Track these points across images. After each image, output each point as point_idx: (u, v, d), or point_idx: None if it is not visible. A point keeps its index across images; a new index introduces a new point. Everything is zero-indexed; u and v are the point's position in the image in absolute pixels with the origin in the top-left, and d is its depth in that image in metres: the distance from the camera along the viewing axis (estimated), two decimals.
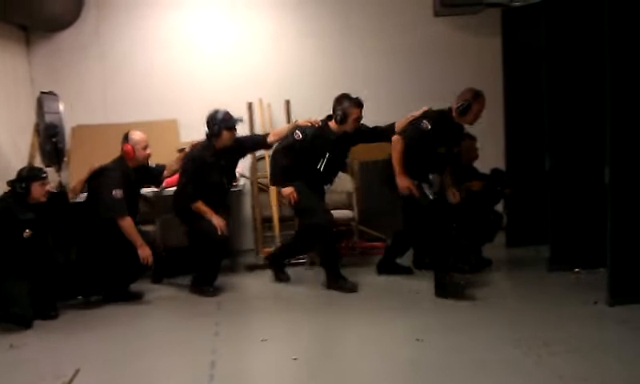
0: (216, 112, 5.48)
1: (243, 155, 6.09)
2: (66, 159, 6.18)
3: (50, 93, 5.97)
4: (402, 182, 5.15)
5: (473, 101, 5.16)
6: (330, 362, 4.09)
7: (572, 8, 5.47)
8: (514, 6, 6.66)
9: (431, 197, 5.16)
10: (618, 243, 4.58)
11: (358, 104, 5.40)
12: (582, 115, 5.46)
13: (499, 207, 6.15)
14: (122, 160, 5.42)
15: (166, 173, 5.77)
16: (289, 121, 6.66)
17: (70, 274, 5.34)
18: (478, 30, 7.20)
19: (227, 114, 5.48)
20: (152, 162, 5.67)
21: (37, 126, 5.94)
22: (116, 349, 4.48)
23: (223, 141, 5.51)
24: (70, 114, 6.15)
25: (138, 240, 5.27)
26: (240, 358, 4.22)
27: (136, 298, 5.53)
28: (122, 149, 5.41)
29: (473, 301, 4.96)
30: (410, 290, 5.38)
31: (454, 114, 5.25)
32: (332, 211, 6.47)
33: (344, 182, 6.49)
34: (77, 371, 3.97)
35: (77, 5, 6.88)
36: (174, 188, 5.86)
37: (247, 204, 7.15)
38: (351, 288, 5.42)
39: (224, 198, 5.82)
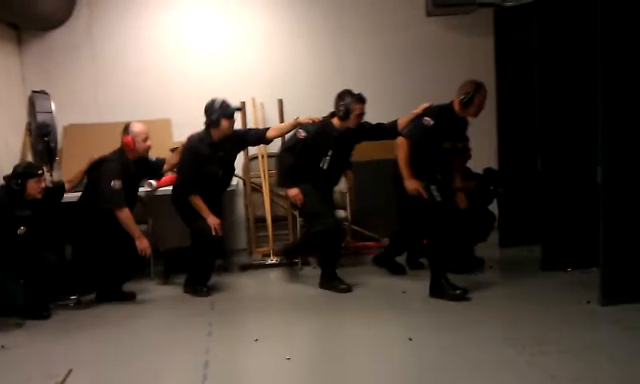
0: (214, 101, 5.45)
1: (242, 148, 6.06)
2: (57, 158, 6.18)
3: (42, 92, 5.96)
4: (411, 185, 5.06)
5: (475, 92, 5.10)
6: (323, 362, 4.09)
7: (564, 8, 5.49)
8: (506, 6, 6.68)
9: (438, 199, 5.11)
10: (611, 243, 4.60)
11: (361, 100, 5.39)
12: (574, 115, 5.48)
13: (492, 207, 6.15)
14: (121, 152, 5.37)
15: (166, 166, 5.72)
16: (282, 120, 6.65)
17: (63, 274, 5.32)
18: (471, 29, 7.22)
19: (225, 102, 5.45)
20: (152, 156, 5.63)
21: (29, 125, 5.93)
22: (109, 349, 4.47)
23: (222, 130, 5.47)
24: (62, 113, 6.13)
25: (135, 231, 5.24)
26: (233, 358, 4.22)
27: (129, 298, 5.51)
28: (122, 140, 5.36)
29: (466, 301, 4.97)
30: (403, 290, 5.39)
31: (456, 107, 5.18)
32: None
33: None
34: (69, 372, 3.95)
35: (68, 4, 6.86)
36: (168, 188, 5.86)
37: (240, 204, 7.14)
38: (345, 289, 5.42)
39: (221, 190, 5.80)
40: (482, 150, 6.35)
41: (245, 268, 6.37)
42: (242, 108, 5.69)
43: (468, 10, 6.96)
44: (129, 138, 5.33)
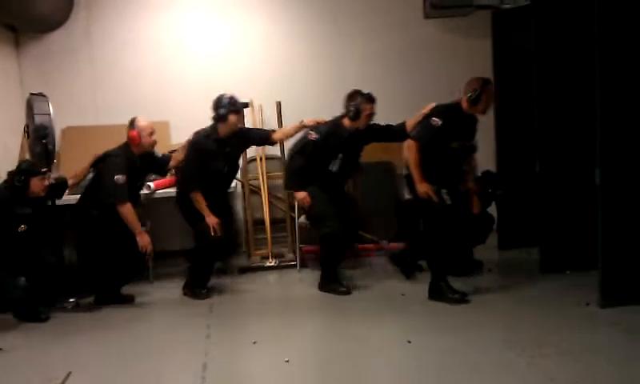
0: (222, 96, 5.44)
1: (247, 146, 6.03)
2: (55, 161, 6.16)
3: (40, 94, 5.94)
4: (422, 188, 5.02)
5: (482, 89, 5.02)
6: (322, 365, 4.09)
7: (561, 10, 5.50)
8: (504, 8, 6.69)
9: (448, 202, 5.08)
10: (609, 245, 4.60)
11: (371, 99, 5.36)
12: (572, 117, 5.47)
13: (491, 209, 6.15)
14: (127, 146, 5.35)
15: (172, 163, 5.66)
16: (280, 122, 6.64)
17: (63, 275, 5.32)
18: (469, 32, 7.23)
19: (233, 97, 5.45)
20: (158, 152, 5.60)
21: (26, 127, 5.91)
22: (108, 351, 4.47)
23: (229, 125, 5.46)
24: (60, 116, 6.12)
25: (137, 227, 5.20)
26: (232, 360, 4.22)
27: (128, 300, 5.50)
28: (127, 135, 5.34)
29: (465, 303, 4.97)
30: (402, 293, 5.39)
31: (464, 105, 5.11)
32: None
33: None
34: (68, 374, 3.95)
35: (66, 6, 6.85)
36: (166, 190, 5.85)
37: (239, 206, 7.13)
38: (344, 292, 5.41)
39: (226, 187, 5.80)
40: (480, 152, 6.33)
41: (243, 270, 6.36)
42: (249, 104, 5.65)
43: (465, 13, 6.96)
44: (134, 133, 5.30)
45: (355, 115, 5.36)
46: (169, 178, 5.94)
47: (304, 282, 5.94)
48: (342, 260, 5.63)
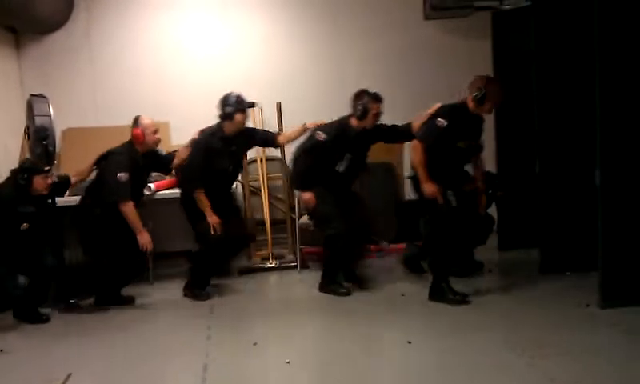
0: (229, 94, 5.45)
1: (251, 146, 6.01)
2: (56, 162, 6.15)
3: (40, 95, 5.94)
4: (428, 188, 5.00)
5: (487, 88, 4.98)
6: (323, 366, 4.10)
7: (561, 11, 5.50)
8: (503, 10, 6.69)
9: (454, 204, 5.06)
10: (609, 246, 4.60)
11: (378, 99, 5.33)
12: (572, 117, 5.47)
13: (491, 210, 6.15)
14: (130, 144, 5.34)
15: (175, 161, 5.62)
16: (280, 123, 6.64)
17: (64, 276, 5.33)
18: (469, 33, 7.23)
19: (240, 96, 5.46)
20: (162, 150, 5.60)
21: (27, 128, 5.91)
22: (108, 352, 4.47)
23: (236, 124, 5.46)
24: (61, 117, 6.12)
25: (138, 226, 5.18)
26: (232, 361, 4.21)
27: (128, 302, 5.50)
28: (131, 132, 5.33)
29: (465, 304, 4.97)
30: (402, 293, 5.39)
31: (470, 105, 5.07)
32: None
33: None
34: (69, 375, 3.95)
35: (67, 7, 6.85)
36: (166, 191, 5.85)
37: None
38: (344, 293, 5.40)
39: (229, 185, 5.80)
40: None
41: (244, 272, 6.36)
42: (256, 104, 5.64)
43: (465, 14, 6.97)
44: (138, 131, 5.30)
45: (362, 115, 5.33)
46: (169, 179, 5.94)
47: (304, 283, 5.94)
48: (345, 262, 5.58)
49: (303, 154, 5.45)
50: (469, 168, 5.53)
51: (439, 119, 5.04)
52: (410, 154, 5.20)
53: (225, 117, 5.45)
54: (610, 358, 3.88)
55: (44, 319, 5.10)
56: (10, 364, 4.32)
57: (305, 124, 5.61)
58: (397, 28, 7.23)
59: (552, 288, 5.25)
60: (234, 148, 5.56)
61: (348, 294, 5.40)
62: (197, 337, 4.62)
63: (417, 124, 5.28)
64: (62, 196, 5.57)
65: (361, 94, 5.37)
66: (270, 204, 6.85)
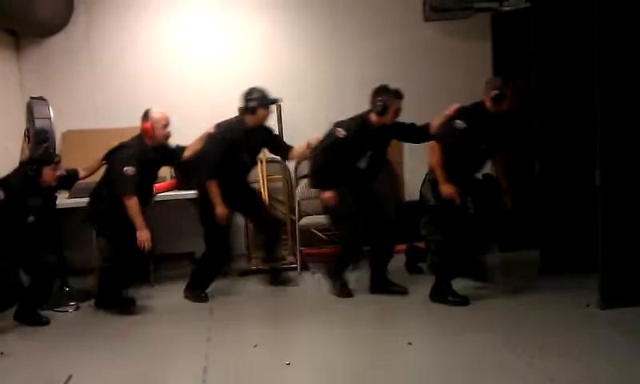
0: (253, 89, 5.47)
1: (267, 146, 5.94)
2: None
3: (40, 98, 5.95)
4: (446, 189, 4.96)
5: (504, 88, 4.94)
6: (323, 367, 4.09)
7: (561, 12, 5.50)
8: (503, 11, 6.69)
9: (471, 211, 5.03)
10: (609, 246, 4.61)
11: (399, 95, 5.28)
12: (572, 118, 5.48)
13: None
14: (140, 138, 5.33)
15: (186, 153, 5.60)
16: (280, 124, 6.62)
17: (63, 276, 5.34)
18: (468, 34, 7.23)
19: (264, 91, 5.47)
20: (172, 143, 5.57)
21: (27, 131, 5.92)
22: (108, 355, 4.48)
23: (258, 118, 5.47)
24: (61, 120, 6.12)
25: (140, 222, 5.12)
26: (233, 363, 4.22)
27: (128, 304, 5.49)
28: (141, 126, 5.33)
29: (465, 305, 4.97)
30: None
31: (488, 105, 5.02)
32: (321, 216, 6.50)
33: None
34: (69, 377, 3.96)
35: (67, 10, 6.86)
36: (167, 193, 5.85)
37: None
38: (345, 294, 5.39)
39: (246, 177, 5.82)
40: None
41: (244, 273, 6.36)
42: (279, 100, 5.63)
43: (465, 15, 6.96)
44: (148, 125, 5.28)
45: (383, 111, 5.25)
46: (169, 182, 5.95)
47: (304, 285, 5.94)
48: (355, 262, 5.57)
49: (322, 151, 5.35)
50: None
51: (457, 121, 5.00)
52: (427, 156, 5.16)
53: (247, 110, 5.46)
54: (609, 358, 3.88)
55: (44, 321, 5.11)
56: (11, 366, 4.32)
57: (308, 143, 5.59)
58: (396, 29, 7.23)
59: (552, 288, 5.25)
60: (252, 142, 5.57)
61: (349, 295, 5.38)
62: (197, 338, 4.62)
63: (435, 124, 5.24)
64: (69, 189, 5.56)
65: (380, 90, 5.30)
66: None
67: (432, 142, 5.11)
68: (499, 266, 6.28)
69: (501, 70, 6.51)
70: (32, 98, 5.83)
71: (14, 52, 6.83)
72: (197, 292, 5.57)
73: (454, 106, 5.14)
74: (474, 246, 5.19)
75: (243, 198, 5.70)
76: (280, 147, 5.87)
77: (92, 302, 5.54)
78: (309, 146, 5.58)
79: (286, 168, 6.81)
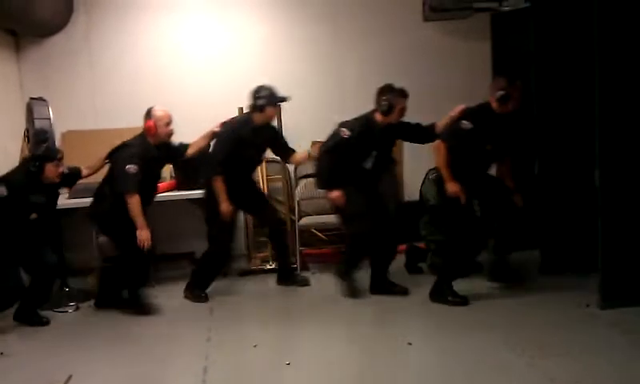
0: (261, 86, 5.47)
1: (272, 145, 5.90)
2: None
3: (40, 98, 5.95)
4: (452, 187, 4.93)
5: (510, 88, 4.92)
6: (323, 367, 4.09)
7: (561, 12, 5.50)
8: (503, 11, 6.69)
9: (478, 214, 5.02)
10: (609, 246, 4.61)
11: (404, 94, 5.27)
12: (572, 118, 5.48)
13: None
14: (142, 136, 5.32)
15: (190, 150, 5.61)
16: (280, 125, 6.63)
17: (62, 276, 5.34)
18: (468, 34, 7.23)
19: (272, 89, 5.47)
20: (175, 141, 5.56)
21: (26, 131, 5.92)
22: (108, 355, 4.48)
23: (266, 116, 5.49)
24: (60, 120, 6.13)
25: (140, 221, 5.10)
26: (233, 363, 4.22)
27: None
28: (144, 124, 5.31)
29: (465, 305, 4.97)
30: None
31: (494, 105, 5.00)
32: (321, 216, 6.53)
33: None
34: (69, 377, 3.96)
35: (66, 10, 6.86)
36: (167, 193, 5.85)
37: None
38: (355, 294, 5.33)
39: (251, 173, 5.85)
40: None
41: (244, 273, 6.36)
42: (288, 99, 5.63)
43: (465, 15, 6.96)
44: (151, 123, 5.27)
45: (388, 110, 5.23)
46: (169, 182, 5.94)
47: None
48: (363, 259, 5.53)
49: (327, 152, 5.33)
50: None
51: (464, 122, 5.00)
52: (433, 155, 5.16)
53: (255, 108, 5.46)
54: (610, 358, 3.88)
55: (44, 322, 5.11)
56: (11, 366, 4.32)
57: (309, 153, 5.64)
58: (396, 29, 7.24)
59: (552, 288, 5.25)
60: (260, 140, 5.58)
61: (355, 295, 5.33)
62: (197, 338, 4.62)
63: (441, 125, 5.23)
64: (71, 187, 5.57)
65: (385, 90, 5.28)
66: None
67: (437, 142, 5.09)
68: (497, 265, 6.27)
69: (500, 69, 6.51)
70: (32, 98, 5.83)
71: (13, 52, 6.83)
72: (197, 292, 5.57)
73: (460, 107, 5.13)
74: (476, 248, 5.19)
75: (249, 196, 5.72)
76: (282, 149, 5.87)
77: (92, 302, 5.54)
78: (309, 156, 5.62)
79: (285, 168, 6.80)
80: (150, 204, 5.38)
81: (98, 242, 6.04)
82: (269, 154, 6.55)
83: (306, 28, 7.21)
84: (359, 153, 5.30)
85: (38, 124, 5.69)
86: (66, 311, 5.44)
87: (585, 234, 5.23)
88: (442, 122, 5.24)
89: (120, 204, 5.10)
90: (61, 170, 5.18)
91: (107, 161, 5.39)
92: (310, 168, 6.17)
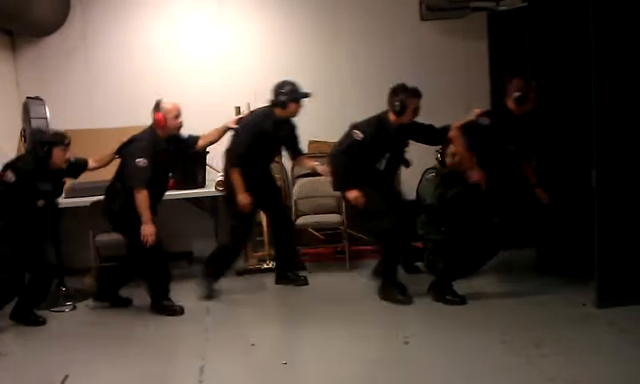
0: (284, 82, 5.46)
1: (288, 139, 5.85)
2: None
3: (37, 98, 5.94)
4: (476, 174, 4.93)
5: (526, 88, 4.91)
6: (320, 366, 4.10)
7: (557, 11, 5.51)
8: (499, 10, 6.70)
9: (496, 220, 5.00)
10: (606, 245, 4.61)
11: (417, 94, 5.23)
12: (568, 118, 5.48)
13: None
14: (152, 130, 5.28)
15: (201, 142, 5.60)
16: None
17: (60, 275, 5.34)
18: (465, 34, 7.23)
19: (295, 85, 5.46)
20: (184, 134, 5.51)
21: (23, 131, 5.92)
22: (105, 354, 4.47)
23: (288, 112, 5.48)
24: (57, 119, 6.11)
25: (146, 215, 5.05)
26: (229, 363, 4.22)
27: (125, 303, 5.49)
28: (153, 117, 5.27)
29: (462, 304, 4.97)
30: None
31: (511, 105, 4.96)
32: (319, 215, 6.53)
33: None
34: (66, 377, 3.96)
35: (63, 9, 6.85)
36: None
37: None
38: (403, 301, 5.17)
39: (269, 165, 5.86)
40: None
41: (241, 273, 6.35)
42: (310, 94, 5.63)
43: (462, 15, 6.97)
44: (160, 115, 5.22)
45: (401, 110, 5.18)
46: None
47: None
48: (401, 257, 5.50)
49: (341, 154, 5.28)
50: None
51: (482, 118, 5.00)
52: (451, 149, 5.16)
53: (277, 104, 5.46)
54: (607, 356, 3.90)
55: (40, 321, 5.10)
56: (7, 366, 4.32)
57: (314, 167, 5.69)
58: (393, 29, 7.23)
59: (549, 288, 5.25)
60: (280, 133, 5.59)
61: (407, 303, 5.13)
62: (194, 338, 4.62)
63: (456, 124, 5.16)
64: (76, 178, 5.58)
65: (397, 90, 5.24)
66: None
67: (453, 134, 5.07)
68: (497, 264, 6.27)
69: (497, 69, 6.53)
70: (28, 97, 5.83)
71: (10, 52, 6.83)
72: (210, 280, 5.60)
73: (477, 111, 5.12)
74: (490, 254, 5.16)
75: (266, 190, 5.69)
76: (294, 148, 5.86)
77: (89, 301, 5.54)
78: (313, 169, 5.69)
79: (282, 168, 6.79)
80: (161, 198, 5.39)
81: (95, 241, 6.04)
82: None
83: (304, 27, 7.20)
84: (373, 154, 5.26)
85: (34, 123, 5.68)
86: (63, 311, 5.44)
87: (581, 233, 5.22)
88: (457, 124, 5.18)
89: (132, 200, 5.07)
90: (68, 155, 5.16)
91: (117, 156, 5.37)
92: (306, 168, 6.18)
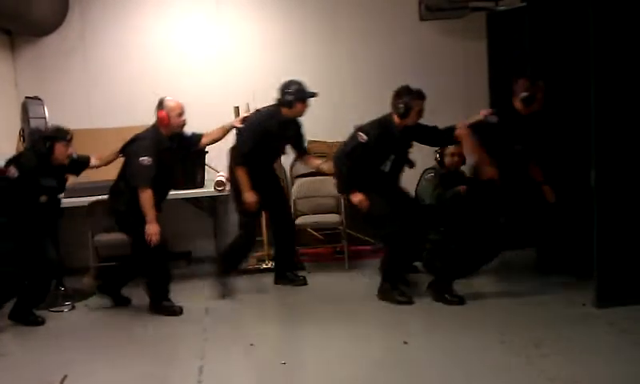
0: (290, 81, 5.46)
1: (294, 139, 5.85)
2: None
3: (35, 98, 5.94)
4: (488, 173, 4.95)
5: (533, 89, 4.94)
6: (319, 366, 4.09)
7: (556, 11, 5.51)
8: (498, 10, 6.70)
9: (502, 220, 5.02)
10: (605, 245, 4.62)
11: (421, 96, 5.21)
12: (567, 118, 5.48)
13: None
14: (155, 128, 5.27)
15: (204, 140, 5.60)
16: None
17: (60, 273, 5.33)
18: (464, 34, 7.23)
19: (302, 85, 5.46)
20: (188, 131, 5.51)
21: (22, 131, 5.91)
22: (104, 354, 4.46)
23: (294, 112, 5.50)
24: (55, 119, 6.10)
25: (150, 214, 5.04)
26: (228, 363, 4.22)
27: (124, 303, 5.49)
28: (156, 115, 5.25)
29: (461, 304, 4.97)
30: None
31: (518, 106, 4.99)
32: (318, 215, 6.52)
33: (331, 186, 6.45)
34: (65, 377, 3.95)
35: (61, 9, 6.84)
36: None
37: (233, 207, 7.11)
38: (403, 301, 5.15)
39: (272, 164, 5.87)
40: None
41: (240, 273, 6.34)
42: (316, 94, 5.62)
43: (461, 15, 6.97)
44: (163, 113, 5.20)
45: (405, 113, 5.16)
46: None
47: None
48: (407, 260, 5.50)
49: (345, 156, 5.26)
50: None
51: (490, 116, 5.01)
52: (464, 149, 5.18)
53: (284, 103, 5.46)
54: (607, 356, 3.90)
55: (39, 321, 5.09)
56: (6, 366, 4.31)
57: (319, 167, 5.72)
58: (392, 29, 7.23)
59: (548, 287, 5.26)
60: (286, 133, 5.60)
61: (408, 302, 5.15)
62: (193, 338, 4.61)
63: (461, 124, 5.17)
64: (78, 175, 5.56)
65: (401, 92, 5.22)
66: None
67: (462, 133, 5.08)
68: (496, 264, 6.27)
69: (496, 69, 6.54)
70: (27, 97, 5.83)
71: (8, 51, 6.82)
72: (225, 274, 5.65)
73: (483, 112, 5.13)
74: (492, 255, 5.18)
75: (270, 188, 5.69)
76: (300, 147, 5.86)
77: (88, 301, 5.53)
78: (318, 168, 5.71)
79: (281, 167, 6.79)
80: (166, 196, 5.39)
81: (93, 241, 6.03)
82: None
83: (303, 27, 7.20)
84: (377, 156, 5.24)
85: (33, 123, 5.68)
86: (62, 311, 5.43)
87: (581, 233, 5.22)
88: (462, 124, 5.19)
89: (136, 200, 5.07)
90: (70, 151, 5.15)
91: (120, 155, 5.35)
92: (305, 168, 6.18)
